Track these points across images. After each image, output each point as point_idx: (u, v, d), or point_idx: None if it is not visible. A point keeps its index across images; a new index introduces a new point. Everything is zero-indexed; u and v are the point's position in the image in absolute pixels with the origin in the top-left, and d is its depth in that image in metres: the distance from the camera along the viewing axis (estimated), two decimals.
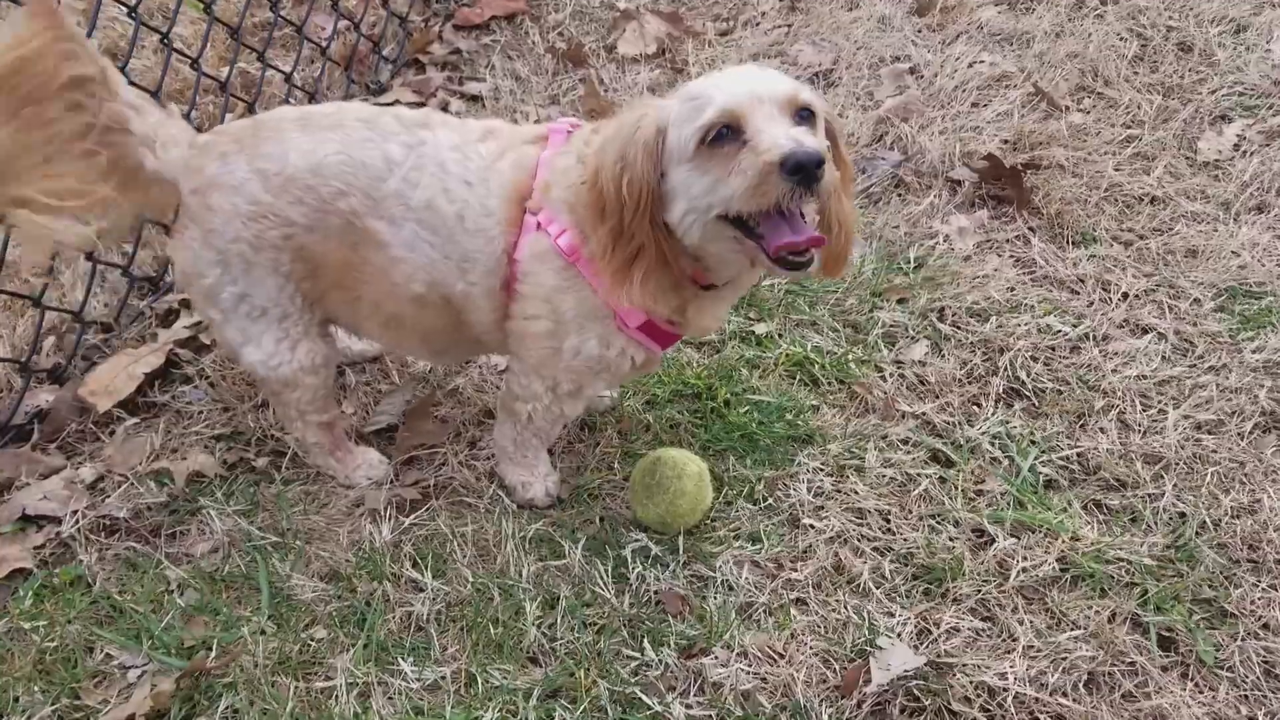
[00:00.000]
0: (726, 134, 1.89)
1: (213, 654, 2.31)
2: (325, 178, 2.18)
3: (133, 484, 2.71)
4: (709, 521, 2.57)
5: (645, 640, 2.32)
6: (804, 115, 1.97)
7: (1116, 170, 3.64)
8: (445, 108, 4.10)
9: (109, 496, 2.69)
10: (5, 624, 2.40)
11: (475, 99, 4.15)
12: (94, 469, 2.75)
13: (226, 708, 2.21)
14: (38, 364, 2.91)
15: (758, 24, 4.49)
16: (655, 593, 2.43)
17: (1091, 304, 3.14)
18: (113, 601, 2.44)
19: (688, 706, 2.20)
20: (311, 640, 2.35)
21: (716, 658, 2.28)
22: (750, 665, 2.27)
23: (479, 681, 2.25)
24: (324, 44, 4.04)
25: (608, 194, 2.00)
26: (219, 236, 2.23)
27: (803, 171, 1.81)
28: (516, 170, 2.22)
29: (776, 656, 2.30)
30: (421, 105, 4.05)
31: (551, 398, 2.43)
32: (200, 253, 2.26)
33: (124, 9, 3.14)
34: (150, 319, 3.20)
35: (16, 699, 2.25)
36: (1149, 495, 2.60)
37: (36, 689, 2.27)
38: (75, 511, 2.63)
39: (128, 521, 2.64)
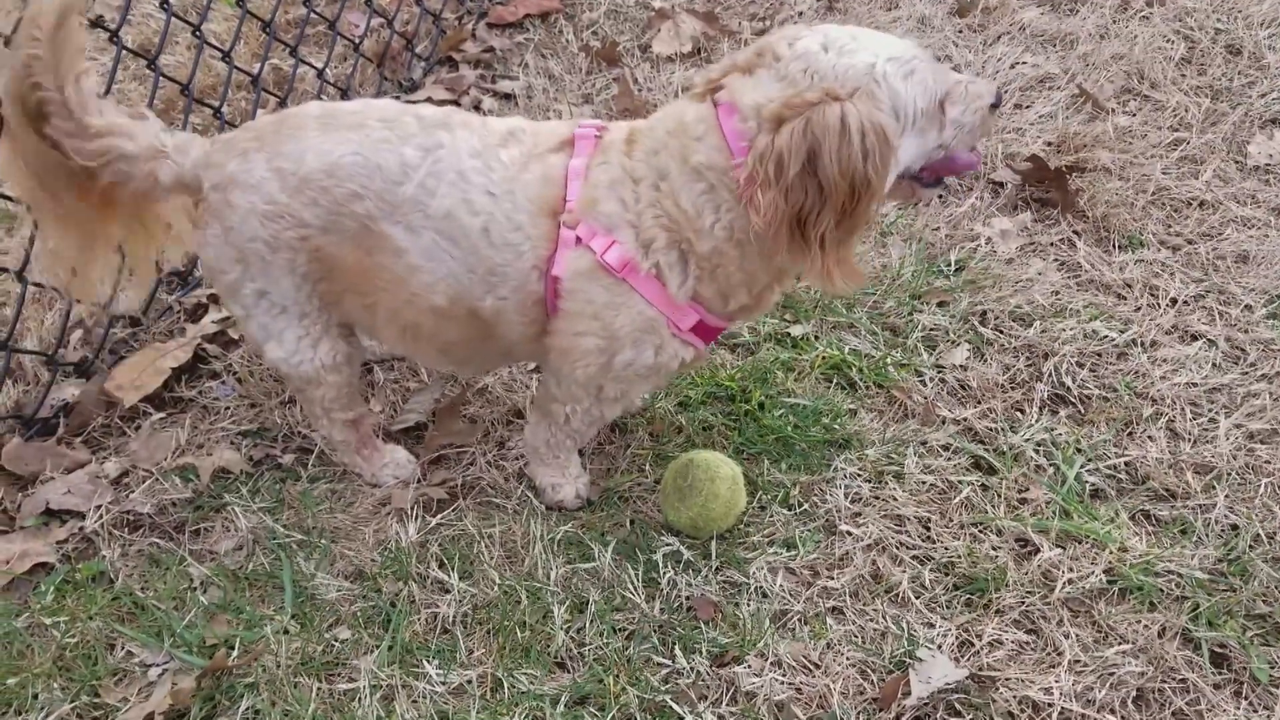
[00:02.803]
0: None
1: (235, 653, 2.26)
2: (340, 179, 2.13)
3: (157, 479, 2.67)
4: (742, 526, 2.50)
5: (676, 647, 2.25)
6: None
7: (1164, 174, 3.54)
8: (478, 106, 4.06)
9: (133, 492, 2.65)
10: (26, 619, 2.36)
11: (508, 97, 4.11)
12: (119, 464, 2.71)
13: (248, 708, 2.17)
14: (64, 357, 2.89)
15: (795, 23, 4.41)
16: (687, 598, 2.36)
17: (1139, 309, 3.05)
18: (135, 598, 2.40)
19: (719, 717, 2.13)
20: (335, 641, 2.30)
21: (750, 666, 2.21)
22: (785, 675, 2.20)
23: (505, 686, 2.19)
24: (357, 40, 4.01)
25: (832, 187, 1.88)
26: (238, 234, 2.18)
27: (1001, 102, 2.14)
28: (545, 184, 2.14)
29: (812, 666, 2.22)
30: (454, 103, 4.02)
31: (592, 401, 2.37)
32: (221, 249, 2.22)
33: (155, 2, 3.11)
34: (178, 313, 3.17)
35: (36, 695, 2.22)
36: (1200, 506, 2.51)
37: (56, 686, 2.24)
38: (99, 506, 2.60)
39: (152, 517, 2.60)
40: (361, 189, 2.13)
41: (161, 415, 2.86)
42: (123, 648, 2.32)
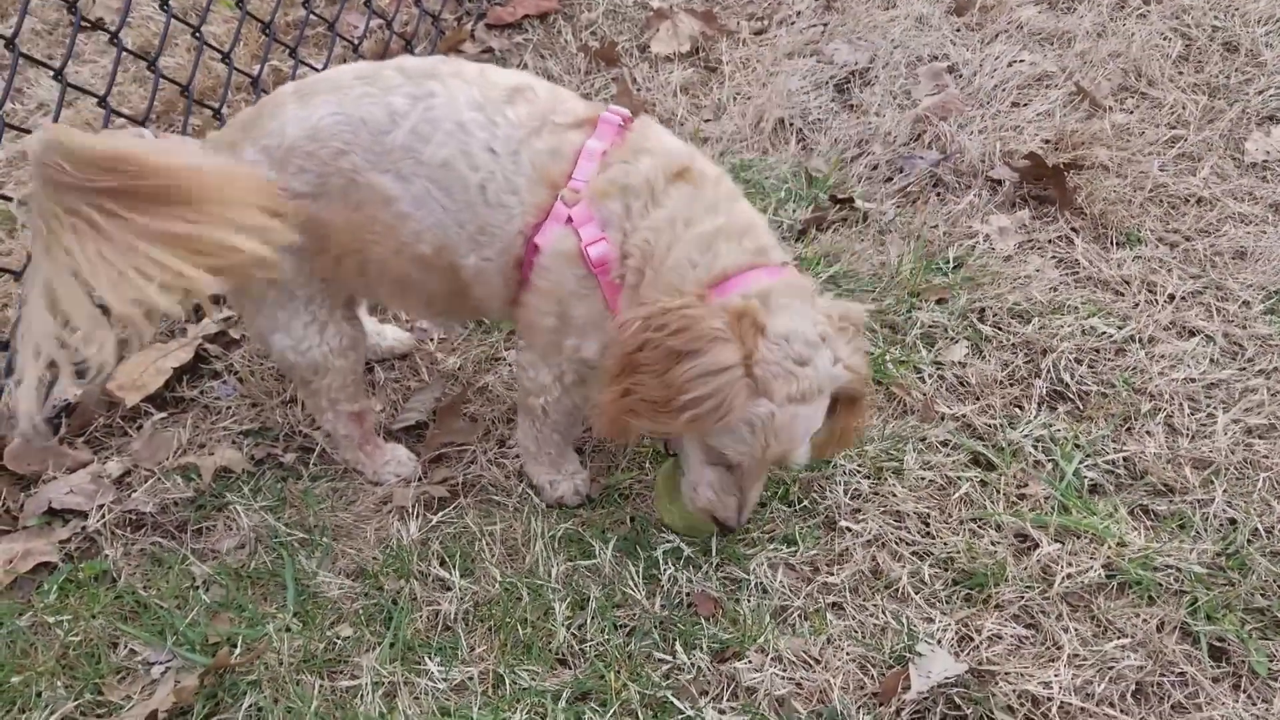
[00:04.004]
0: None
1: (237, 651, 2.27)
2: (323, 140, 2.14)
3: (159, 479, 2.68)
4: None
5: (677, 643, 2.26)
6: None
7: (1161, 171, 3.55)
8: None
9: (135, 491, 2.66)
10: (29, 618, 2.37)
11: None
12: (121, 463, 2.72)
13: (250, 705, 2.17)
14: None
15: (793, 23, 4.43)
16: (687, 595, 2.37)
17: (1137, 306, 3.06)
18: (137, 597, 2.41)
19: (721, 712, 2.14)
20: (337, 638, 2.31)
21: (750, 662, 2.22)
22: (785, 670, 2.21)
23: (507, 682, 2.20)
24: (356, 42, 4.02)
25: (669, 387, 1.99)
26: None
27: (728, 530, 2.32)
28: (554, 157, 2.15)
29: (812, 661, 2.23)
30: None
31: (560, 389, 2.39)
32: None
33: (155, 3, 3.12)
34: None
35: (39, 694, 2.22)
36: (1198, 501, 2.51)
37: (59, 684, 2.24)
38: (101, 506, 2.61)
39: (154, 516, 2.61)
40: (345, 145, 2.14)
41: (163, 415, 2.86)
42: (125, 646, 2.33)
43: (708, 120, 3.93)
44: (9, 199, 2.67)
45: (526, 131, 2.15)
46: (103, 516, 2.58)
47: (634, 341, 1.99)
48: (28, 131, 2.81)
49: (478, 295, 2.32)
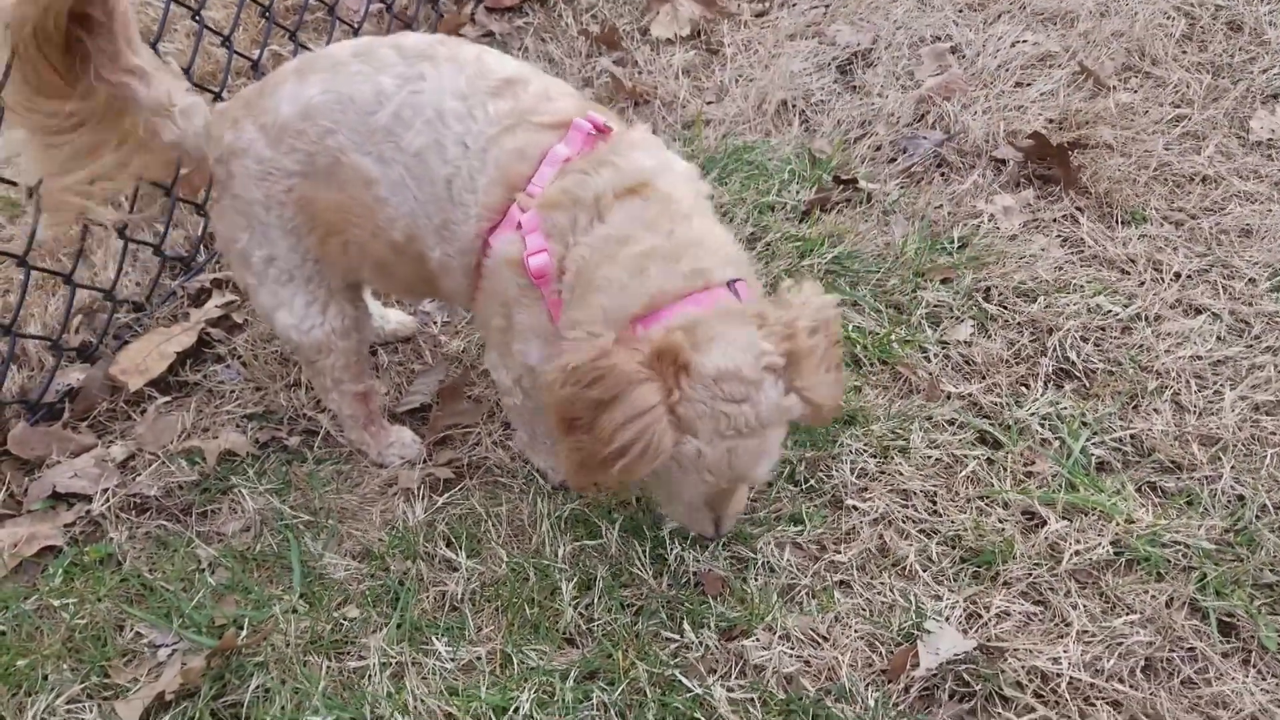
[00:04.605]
0: None
1: (244, 632, 2.26)
2: (314, 119, 2.13)
3: (164, 462, 2.67)
4: (748, 502, 2.50)
5: (685, 622, 2.26)
6: None
7: (1166, 150, 3.53)
8: None
9: (140, 475, 2.65)
10: (35, 602, 2.37)
11: None
12: (125, 447, 2.72)
13: (258, 686, 2.17)
14: (67, 342, 2.89)
15: (794, 4, 4.40)
16: (694, 574, 2.36)
17: (1143, 284, 3.05)
18: (143, 580, 2.41)
19: (729, 690, 2.13)
20: (344, 619, 2.30)
21: (758, 640, 2.22)
22: (793, 648, 2.21)
23: (514, 662, 2.19)
24: (356, 25, 4.00)
25: (590, 437, 1.91)
26: (242, 201, 2.22)
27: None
28: (519, 158, 2.07)
29: (820, 639, 2.23)
30: None
31: (521, 394, 2.35)
32: (231, 218, 2.25)
33: None
34: (182, 298, 3.17)
35: (45, 677, 2.22)
36: (1206, 478, 2.50)
37: (66, 667, 2.24)
38: (106, 490, 2.61)
39: (159, 500, 2.60)
40: (333, 124, 2.13)
41: (167, 399, 2.86)
42: (132, 629, 2.33)
43: (710, 103, 3.91)
44: (13, 184, 2.65)
45: (500, 129, 2.07)
46: (107, 500, 2.58)
47: (559, 397, 1.90)
48: None
49: (445, 287, 2.29)
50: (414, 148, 2.10)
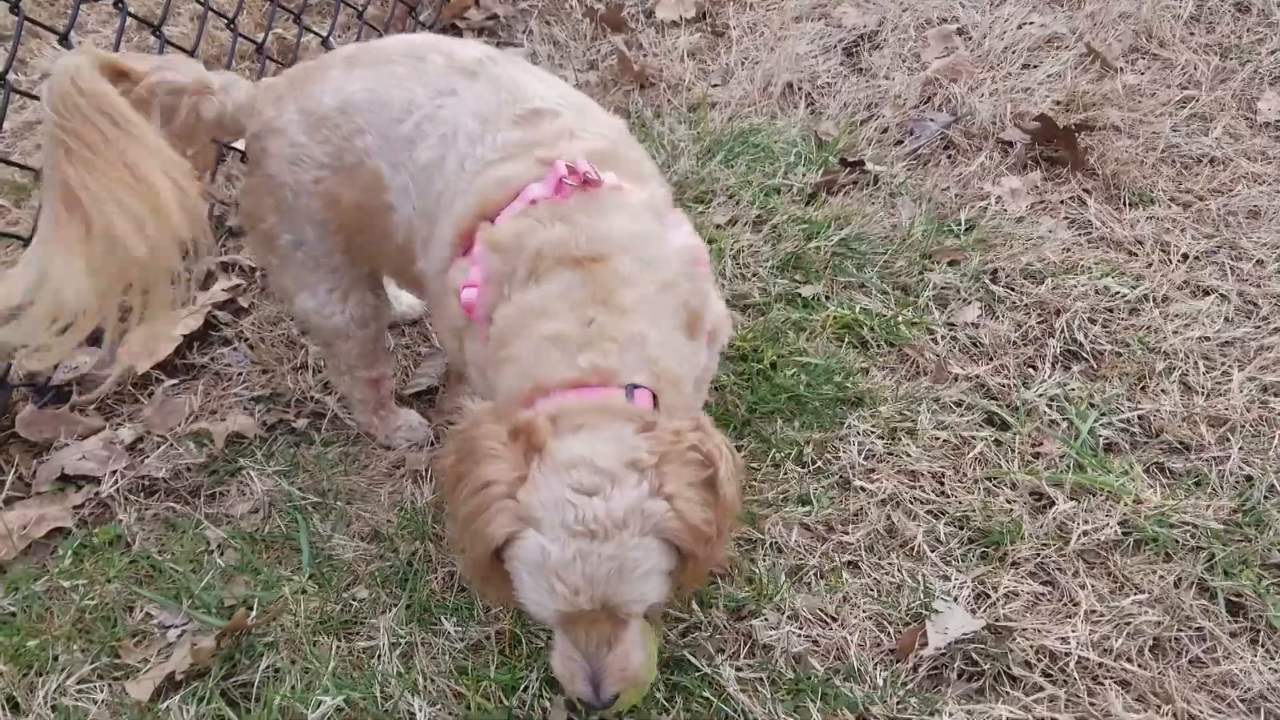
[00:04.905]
0: None
1: (253, 613, 2.27)
2: (350, 115, 2.13)
3: (172, 445, 2.68)
4: (756, 483, 2.51)
5: (693, 601, 2.26)
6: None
7: (1174, 131, 3.52)
8: None
9: (148, 457, 2.65)
10: (45, 583, 2.37)
11: None
12: (133, 430, 2.72)
13: (268, 666, 2.18)
14: None
15: None
16: None
17: (1150, 265, 3.04)
18: (152, 561, 2.41)
19: (738, 669, 2.14)
20: (353, 600, 2.31)
21: (767, 620, 2.22)
22: (802, 628, 2.21)
23: (523, 641, 2.20)
24: (360, 8, 3.98)
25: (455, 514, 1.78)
26: (273, 181, 2.21)
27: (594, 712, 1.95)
28: (499, 186, 1.96)
29: (829, 619, 2.23)
30: None
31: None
32: (260, 197, 2.26)
33: None
34: (187, 282, 3.15)
35: (56, 657, 2.23)
36: (1214, 459, 2.50)
37: (76, 648, 2.25)
38: (114, 472, 2.61)
39: (167, 482, 2.61)
40: (365, 124, 2.12)
41: (174, 382, 2.86)
42: (141, 610, 2.33)
43: (715, 85, 3.90)
44: (22, 166, 2.67)
45: (500, 157, 1.99)
46: (116, 482, 2.58)
47: (440, 464, 1.79)
48: (35, 98, 2.80)
49: (430, 293, 2.24)
50: (423, 160, 2.08)
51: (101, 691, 2.17)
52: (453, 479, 1.75)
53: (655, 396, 1.81)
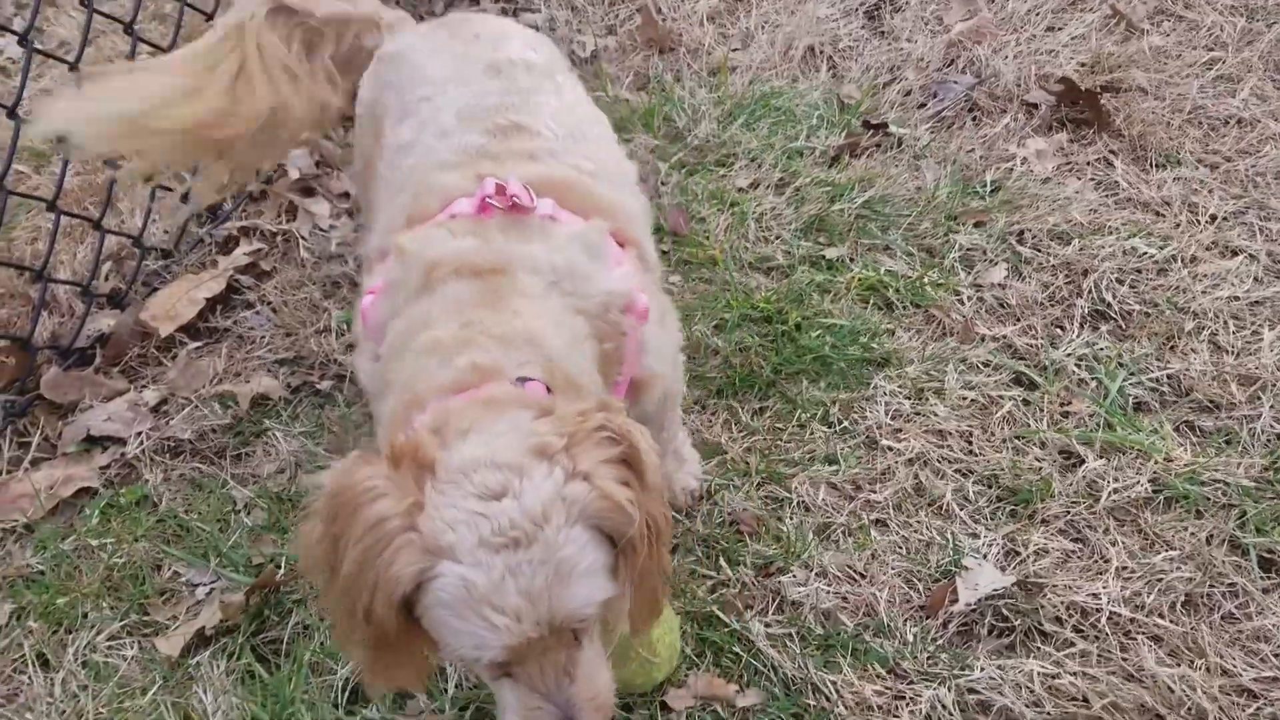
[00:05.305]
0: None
1: (281, 571, 2.27)
2: (396, 65, 2.18)
3: (196, 406, 2.68)
4: (782, 443, 2.49)
5: (721, 559, 2.26)
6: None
7: (1200, 93, 3.48)
8: None
9: (173, 419, 2.65)
10: (73, 542, 2.38)
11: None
12: (157, 392, 2.72)
13: (297, 623, 2.18)
14: (97, 288, 2.88)
15: None
16: (729, 514, 2.35)
17: (1178, 226, 3.01)
18: (179, 520, 2.41)
19: (766, 625, 2.13)
20: None
21: (795, 577, 2.21)
22: (830, 585, 2.20)
23: None
24: None
25: (342, 591, 1.43)
26: (358, 102, 2.35)
27: None
28: (432, 193, 1.86)
29: (858, 576, 2.22)
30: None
31: None
32: (359, 110, 2.36)
33: None
34: (210, 246, 3.16)
35: (85, 614, 2.24)
36: (1245, 417, 2.48)
37: (105, 605, 2.26)
38: (140, 433, 2.61)
39: (192, 443, 2.61)
40: (395, 80, 2.16)
41: (198, 344, 2.85)
42: (169, 568, 2.34)
43: (735, 49, 3.87)
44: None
45: (451, 161, 1.92)
46: (141, 443, 2.59)
47: (303, 556, 1.53)
48: (66, 61, 2.79)
49: None
50: (400, 140, 2.07)
51: (131, 648, 2.18)
52: (325, 546, 1.43)
53: (550, 391, 1.60)
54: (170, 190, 3.09)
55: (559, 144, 1.98)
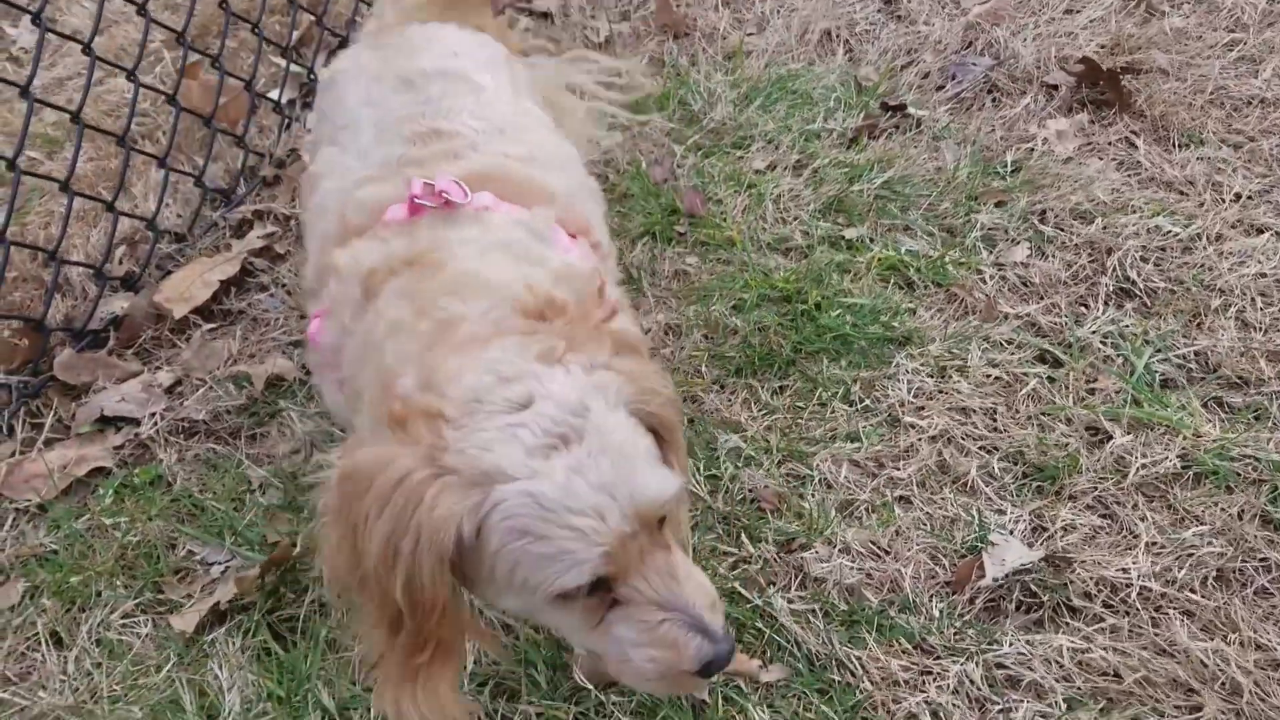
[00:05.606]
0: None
1: (297, 548, 2.24)
2: (328, 92, 2.26)
3: (211, 387, 2.65)
4: (802, 421, 2.46)
5: (742, 535, 2.22)
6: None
7: (1221, 74, 3.44)
8: (513, 25, 3.98)
9: (187, 400, 2.63)
10: (86, 521, 2.36)
11: (545, 16, 4.03)
12: (171, 373, 2.70)
13: (313, 600, 2.15)
14: (111, 271, 2.86)
15: None
16: (750, 491, 2.32)
17: (1202, 205, 2.96)
18: (194, 499, 2.39)
19: (789, 600, 2.10)
20: None
21: (817, 553, 2.18)
22: (854, 561, 2.17)
23: None
24: None
25: (372, 581, 1.31)
26: None
27: (722, 668, 1.41)
28: (361, 209, 1.80)
29: (882, 552, 2.19)
30: None
31: None
32: None
33: None
34: (223, 229, 3.13)
35: (99, 593, 2.21)
36: (1275, 393, 2.43)
37: (119, 583, 2.23)
38: (154, 414, 2.59)
39: (207, 424, 2.58)
40: (327, 109, 2.21)
41: (212, 326, 2.83)
42: (184, 547, 2.31)
43: (751, 34, 3.84)
44: (66, 110, 2.68)
45: (375, 175, 1.87)
46: (155, 424, 2.56)
47: (328, 567, 1.42)
48: (77, 41, 2.77)
49: None
50: (319, 169, 2.05)
51: (145, 626, 2.16)
52: (345, 541, 1.32)
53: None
54: (189, 174, 3.08)
55: (481, 138, 1.93)
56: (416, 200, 1.71)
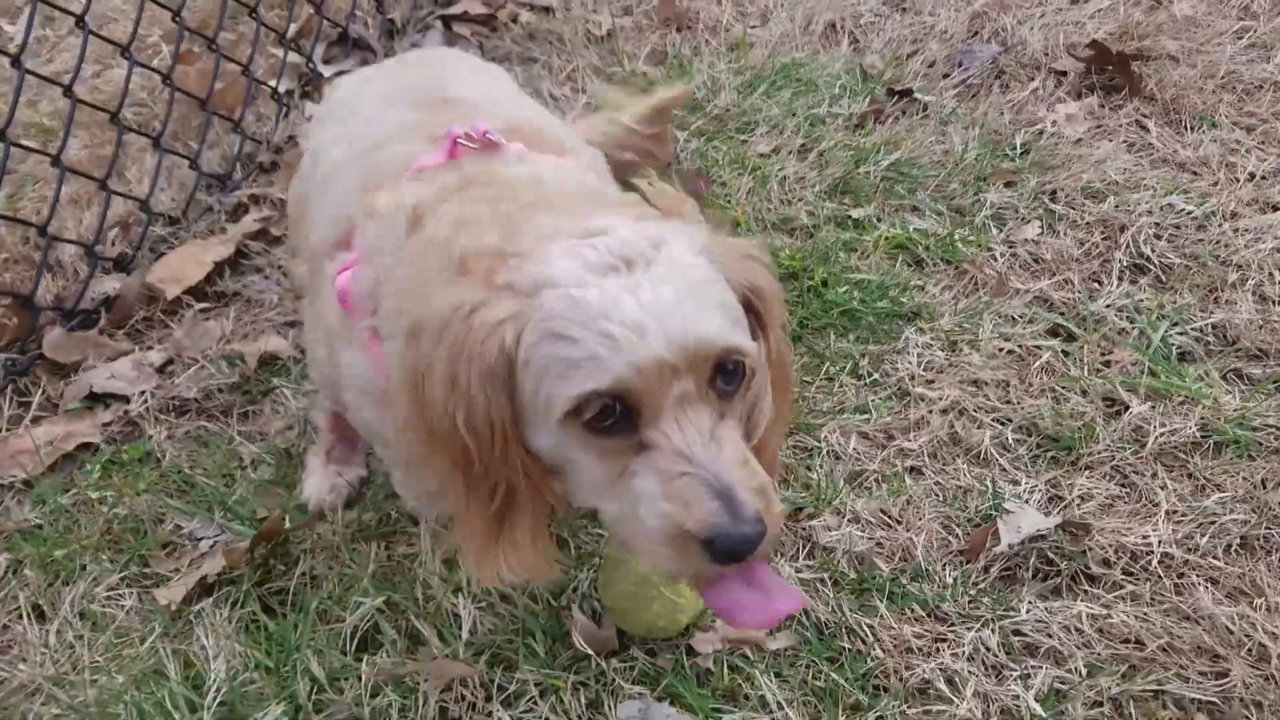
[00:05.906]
0: (615, 413, 1.23)
1: (288, 522, 2.17)
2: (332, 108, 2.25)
3: (203, 366, 2.59)
4: (810, 395, 2.39)
5: None
6: (731, 368, 1.28)
7: (1232, 60, 3.40)
8: (515, 19, 3.95)
9: (178, 378, 2.56)
10: (72, 496, 2.29)
11: (547, 10, 4.00)
12: (162, 352, 2.63)
13: (303, 573, 2.08)
14: (103, 251, 2.81)
15: None
16: None
17: (1216, 184, 2.91)
18: (183, 475, 2.32)
19: (797, 569, 2.02)
20: (393, 512, 2.20)
21: (826, 523, 2.10)
22: (864, 530, 2.09)
23: (571, 546, 2.09)
24: None
25: (440, 427, 1.26)
26: None
27: (736, 557, 1.23)
28: (386, 163, 1.70)
29: (893, 522, 2.11)
30: (491, 15, 3.92)
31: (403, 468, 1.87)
32: None
33: None
34: (219, 213, 3.08)
35: (83, 566, 2.14)
36: None
37: (105, 557, 2.16)
38: (143, 392, 2.52)
39: (198, 402, 2.52)
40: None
41: (205, 307, 2.77)
42: (171, 522, 2.24)
43: (754, 26, 3.80)
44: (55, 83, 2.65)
45: (392, 136, 1.79)
46: (145, 401, 2.50)
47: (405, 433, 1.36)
48: (72, 14, 2.73)
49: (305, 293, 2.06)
50: (325, 138, 2.00)
51: (130, 599, 2.08)
52: (413, 381, 1.28)
53: None
54: (184, 157, 3.03)
55: (493, 106, 1.87)
56: (459, 141, 1.62)
